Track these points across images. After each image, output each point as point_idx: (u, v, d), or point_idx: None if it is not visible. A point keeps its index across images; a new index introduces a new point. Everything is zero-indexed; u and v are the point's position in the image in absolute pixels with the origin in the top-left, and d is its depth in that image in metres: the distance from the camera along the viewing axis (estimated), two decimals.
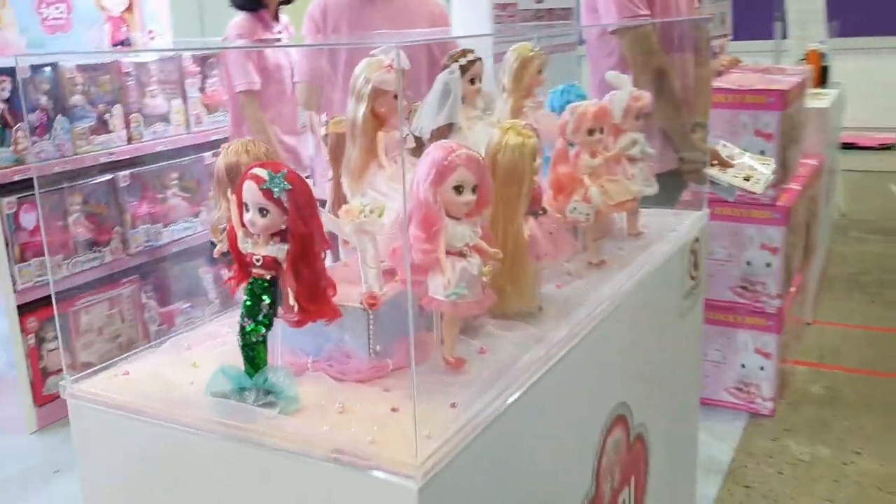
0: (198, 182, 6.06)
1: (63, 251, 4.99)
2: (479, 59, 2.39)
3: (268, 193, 1.57)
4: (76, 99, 5.27)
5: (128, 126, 5.59)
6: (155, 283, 5.72)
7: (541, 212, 2.10)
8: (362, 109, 1.98)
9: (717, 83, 4.57)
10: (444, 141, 1.75)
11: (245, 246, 1.63)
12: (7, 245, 4.95)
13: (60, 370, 4.87)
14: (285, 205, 1.58)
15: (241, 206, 1.61)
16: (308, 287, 1.62)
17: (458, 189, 1.71)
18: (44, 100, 5.13)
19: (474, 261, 1.76)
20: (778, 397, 4.56)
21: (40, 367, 4.93)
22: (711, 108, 4.02)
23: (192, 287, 5.93)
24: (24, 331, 5.12)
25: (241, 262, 1.65)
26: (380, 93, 1.97)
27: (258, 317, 1.63)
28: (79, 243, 5.19)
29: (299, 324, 1.66)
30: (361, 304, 1.76)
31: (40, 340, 4.94)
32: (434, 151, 1.72)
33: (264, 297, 1.63)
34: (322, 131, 2.30)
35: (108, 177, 5.43)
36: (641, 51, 3.62)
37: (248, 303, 1.63)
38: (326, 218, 1.81)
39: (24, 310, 5.06)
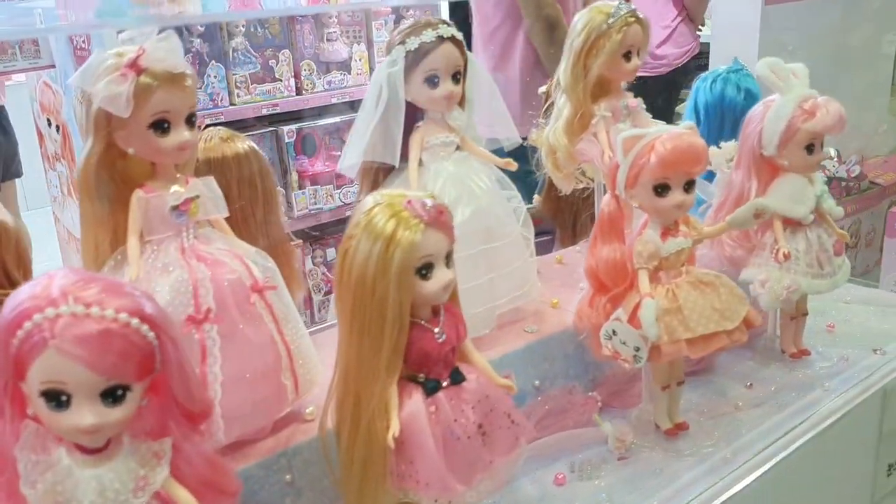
0: None
1: None
2: (451, 38, 1.28)
3: None
4: (237, 42, 4.70)
5: (297, 74, 4.96)
6: (323, 250, 5.21)
7: (445, 383, 1.00)
8: (88, 147, 1.02)
9: None
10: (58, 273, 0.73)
11: None
12: None
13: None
14: None
15: None
16: None
17: (55, 396, 0.71)
18: (197, 43, 4.61)
19: None
20: None
21: None
22: None
23: None
24: None
25: None
26: (119, 122, 0.99)
27: None
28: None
29: None
30: None
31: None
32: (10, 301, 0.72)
33: None
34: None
35: (269, 130, 4.88)
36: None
37: None
38: None
39: None
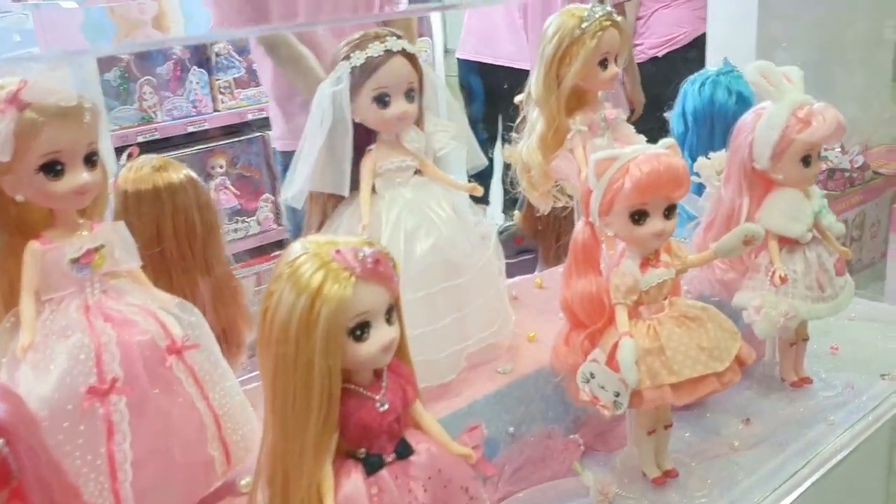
0: None
1: None
2: (402, 51, 1.15)
3: None
4: (220, 47, 4.58)
5: None
6: None
7: (389, 458, 0.87)
8: None
9: None
10: None
11: None
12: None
13: None
14: None
15: None
16: None
17: None
18: (178, 49, 4.48)
19: None
20: None
21: None
22: None
23: None
24: None
25: None
26: (2, 165, 0.86)
27: None
28: (222, 211, 4.59)
29: None
30: None
31: None
32: None
33: None
34: None
35: (256, 135, 4.75)
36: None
37: None
38: None
39: None
